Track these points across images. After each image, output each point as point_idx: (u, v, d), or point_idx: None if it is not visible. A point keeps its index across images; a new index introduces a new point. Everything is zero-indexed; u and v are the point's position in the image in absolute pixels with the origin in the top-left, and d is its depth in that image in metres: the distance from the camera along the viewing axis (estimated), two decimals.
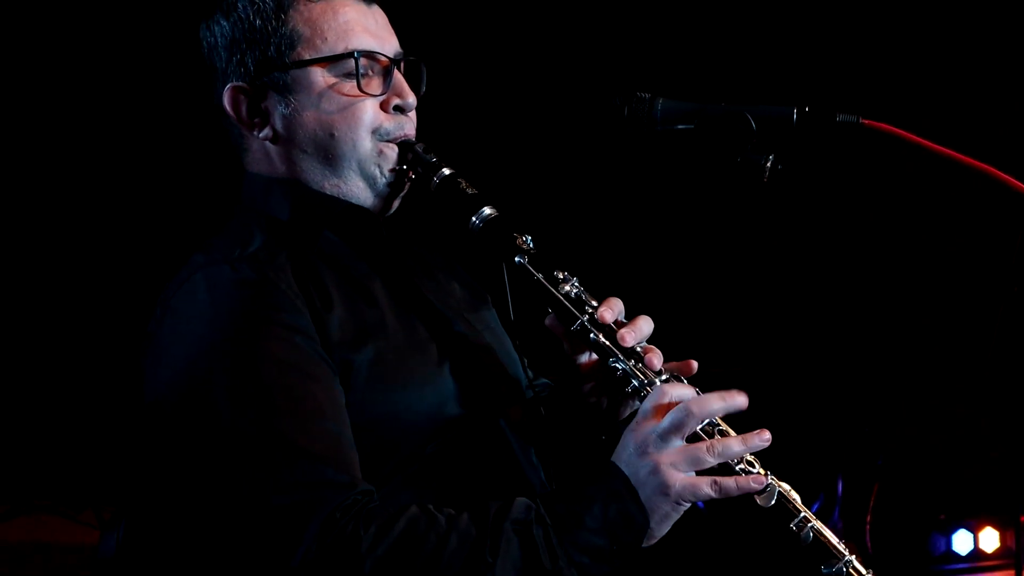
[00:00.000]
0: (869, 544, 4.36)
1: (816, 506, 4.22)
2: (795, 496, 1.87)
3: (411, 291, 2.11)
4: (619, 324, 1.98)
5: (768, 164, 1.99)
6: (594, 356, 2.05)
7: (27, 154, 5.33)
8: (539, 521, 1.83)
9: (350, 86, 2.05)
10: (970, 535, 4.50)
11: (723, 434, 1.87)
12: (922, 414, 4.48)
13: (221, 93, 2.09)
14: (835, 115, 2.00)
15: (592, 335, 1.97)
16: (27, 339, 5.56)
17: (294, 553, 1.78)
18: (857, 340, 4.62)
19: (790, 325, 4.65)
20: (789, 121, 2.01)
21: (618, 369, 1.95)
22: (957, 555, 4.52)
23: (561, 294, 2.00)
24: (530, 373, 2.30)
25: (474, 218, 2.04)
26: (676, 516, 1.85)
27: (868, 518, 4.35)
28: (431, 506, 1.85)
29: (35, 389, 5.58)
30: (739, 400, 1.87)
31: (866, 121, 1.99)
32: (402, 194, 2.12)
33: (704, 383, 1.95)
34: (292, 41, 2.04)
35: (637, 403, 1.95)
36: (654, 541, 1.86)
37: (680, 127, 2.07)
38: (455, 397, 2.01)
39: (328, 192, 2.08)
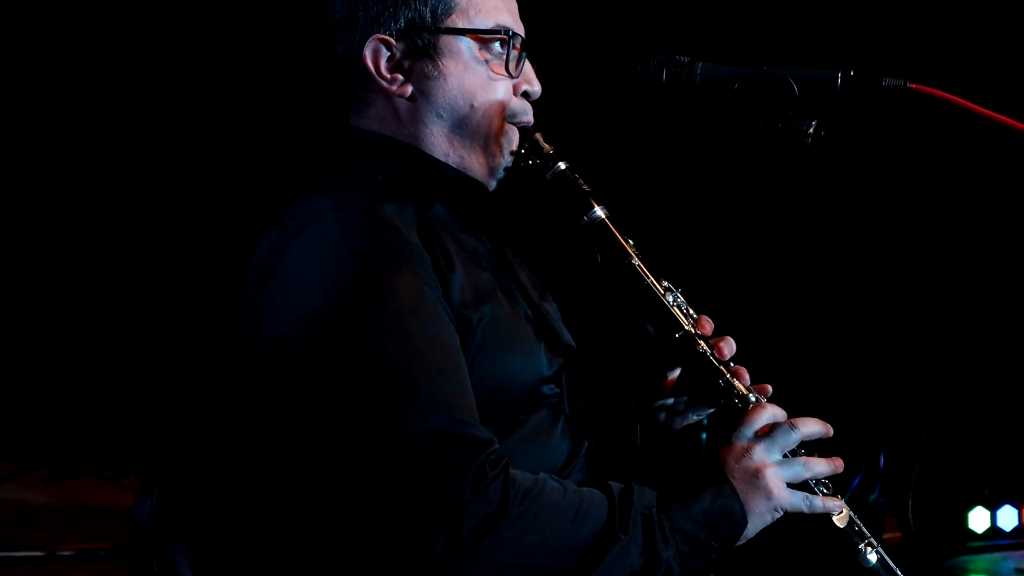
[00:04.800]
0: (911, 520, 4.32)
1: (857, 480, 4.17)
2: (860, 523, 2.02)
3: (510, 270, 2.14)
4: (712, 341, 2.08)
5: (811, 131, 1.96)
6: (676, 374, 2.16)
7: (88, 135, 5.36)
8: (661, 508, 1.92)
9: (496, 63, 2.08)
10: (1015, 511, 4.47)
11: (807, 454, 2.01)
12: (966, 388, 4.42)
13: (357, 42, 2.07)
14: (881, 79, 1.96)
15: (700, 347, 2.06)
16: (74, 309, 5.62)
17: (445, 492, 1.78)
18: (902, 312, 4.55)
19: (834, 297, 4.58)
20: (833, 86, 1.97)
21: (720, 382, 2.05)
22: (1001, 531, 4.49)
23: (668, 302, 2.07)
24: None
25: (586, 217, 2.08)
26: (770, 520, 1.96)
27: (910, 493, 4.31)
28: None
29: (80, 356, 5.64)
30: (830, 429, 2.01)
31: (914, 85, 1.95)
32: (513, 178, 2.14)
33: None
34: (449, 7, 2.06)
35: (693, 417, 2.19)
36: (743, 542, 1.96)
37: (720, 92, 2.03)
38: (549, 376, 2.05)
39: (450, 160, 2.09)
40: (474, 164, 2.09)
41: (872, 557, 1.98)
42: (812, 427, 2.00)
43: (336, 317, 1.85)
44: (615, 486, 1.92)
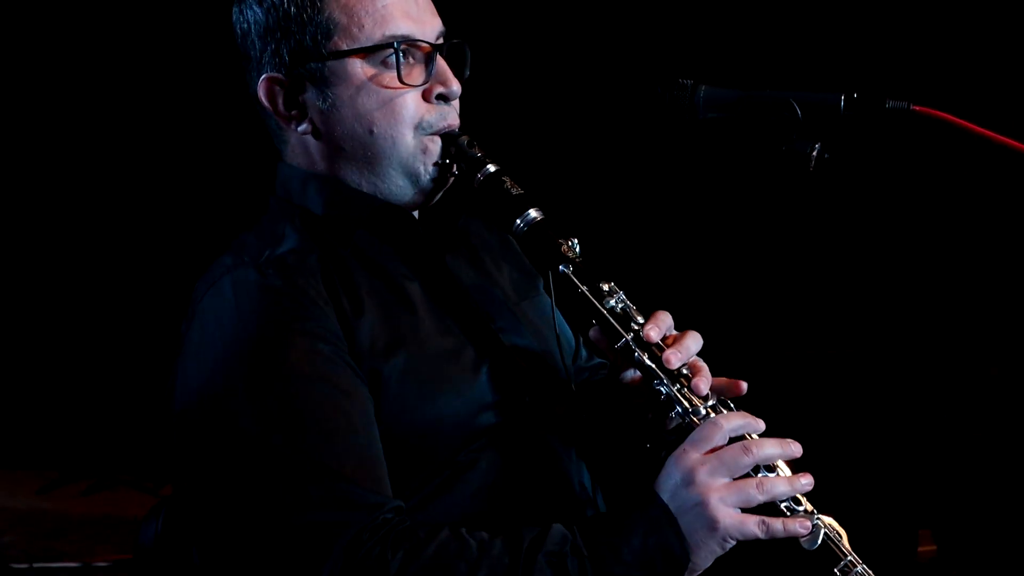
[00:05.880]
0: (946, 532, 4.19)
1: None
2: (842, 536, 1.80)
3: (451, 289, 2.03)
4: (667, 340, 1.90)
5: (815, 153, 1.93)
6: (639, 374, 1.97)
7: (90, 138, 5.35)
8: (575, 553, 1.76)
9: (390, 77, 1.96)
10: None
11: (770, 470, 1.81)
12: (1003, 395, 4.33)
13: (256, 83, 2.01)
14: (885, 101, 1.94)
15: (636, 355, 1.89)
16: (116, 322, 5.63)
17: (318, 574, 1.73)
18: (909, 332, 4.53)
19: (839, 319, 4.56)
20: (837, 108, 1.95)
21: (662, 393, 1.88)
22: None
23: (606, 309, 1.92)
24: (583, 352, 2.25)
25: (519, 220, 1.96)
26: (720, 552, 1.78)
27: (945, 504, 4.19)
28: (463, 530, 1.79)
29: (123, 369, 5.65)
30: (794, 449, 1.82)
31: (918, 108, 1.93)
32: (445, 188, 2.05)
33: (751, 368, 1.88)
34: (328, 30, 1.95)
35: (679, 418, 1.88)
36: (696, 574, 1.80)
37: (722, 115, 2.01)
38: (492, 404, 1.95)
39: (366, 190, 2.01)
40: (394, 189, 2.00)
41: None
42: (771, 450, 1.79)
43: (219, 394, 1.83)
44: (528, 533, 1.77)
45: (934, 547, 4.29)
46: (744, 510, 1.77)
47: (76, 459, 5.56)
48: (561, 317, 2.10)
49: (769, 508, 1.79)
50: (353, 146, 1.98)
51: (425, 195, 2.02)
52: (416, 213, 2.07)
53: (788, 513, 1.79)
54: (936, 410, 4.25)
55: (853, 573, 1.78)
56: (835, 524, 1.80)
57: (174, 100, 5.37)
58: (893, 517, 4.09)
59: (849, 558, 1.78)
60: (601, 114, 4.43)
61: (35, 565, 4.61)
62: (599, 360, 2.24)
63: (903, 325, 4.50)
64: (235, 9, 2.03)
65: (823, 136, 1.94)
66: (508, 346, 2.02)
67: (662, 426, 2.01)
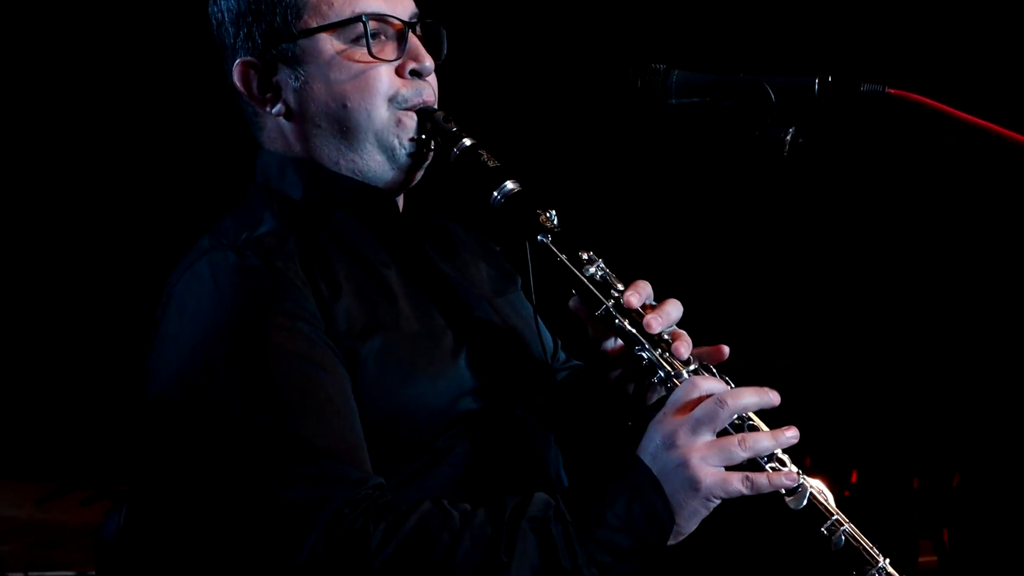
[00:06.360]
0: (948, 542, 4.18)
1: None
2: (828, 497, 1.79)
3: (430, 275, 2.04)
4: (646, 309, 1.90)
5: (788, 138, 1.92)
6: (620, 342, 1.97)
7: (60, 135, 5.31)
8: (558, 518, 1.75)
9: (361, 52, 1.98)
10: None
11: (753, 428, 1.79)
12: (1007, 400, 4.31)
13: (231, 70, 2.02)
14: (860, 85, 1.91)
15: (617, 321, 1.89)
16: (114, 333, 5.59)
17: (300, 550, 1.73)
18: (886, 320, 4.52)
19: (814, 310, 4.55)
20: (811, 92, 1.93)
21: (644, 358, 1.87)
22: None
23: (585, 276, 1.92)
24: (562, 355, 2.25)
25: (495, 193, 1.96)
26: (705, 513, 1.77)
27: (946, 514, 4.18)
28: (445, 501, 1.79)
29: (119, 379, 5.60)
30: (772, 397, 1.80)
31: (893, 91, 1.90)
32: (425, 165, 2.05)
33: (736, 373, 1.87)
34: (298, 9, 1.97)
35: (664, 391, 1.88)
36: (681, 538, 1.78)
37: (695, 100, 1.99)
38: (471, 389, 1.95)
39: (344, 170, 2.01)
40: (372, 165, 2.01)
41: (840, 539, 1.75)
42: (748, 398, 1.77)
43: (199, 375, 1.83)
44: (510, 501, 1.77)
45: (935, 557, 4.28)
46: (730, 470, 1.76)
47: (75, 470, 5.59)
48: (541, 322, 2.11)
49: (755, 466, 1.77)
50: (328, 122, 1.99)
51: (404, 173, 2.03)
52: (400, 202, 2.07)
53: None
54: (939, 416, 4.23)
55: (840, 532, 1.76)
56: (823, 486, 1.79)
57: (156, 103, 5.34)
58: (894, 527, 4.08)
59: (836, 517, 1.77)
60: (574, 99, 4.40)
61: (31, 574, 4.64)
62: (577, 363, 2.23)
63: (893, 327, 4.49)
64: (210, 1, 2.05)
65: (797, 120, 1.93)
66: (491, 330, 2.03)
67: (643, 401, 2.01)
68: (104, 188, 5.53)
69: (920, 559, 4.10)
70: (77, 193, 5.54)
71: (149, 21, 5.19)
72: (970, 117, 1.87)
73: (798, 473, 1.78)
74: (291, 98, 2.00)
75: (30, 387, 5.59)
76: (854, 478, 4.09)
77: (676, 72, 2.00)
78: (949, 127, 1.87)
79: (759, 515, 1.77)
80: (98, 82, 5.34)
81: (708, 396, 1.77)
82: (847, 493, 4.06)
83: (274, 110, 2.01)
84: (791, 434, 1.78)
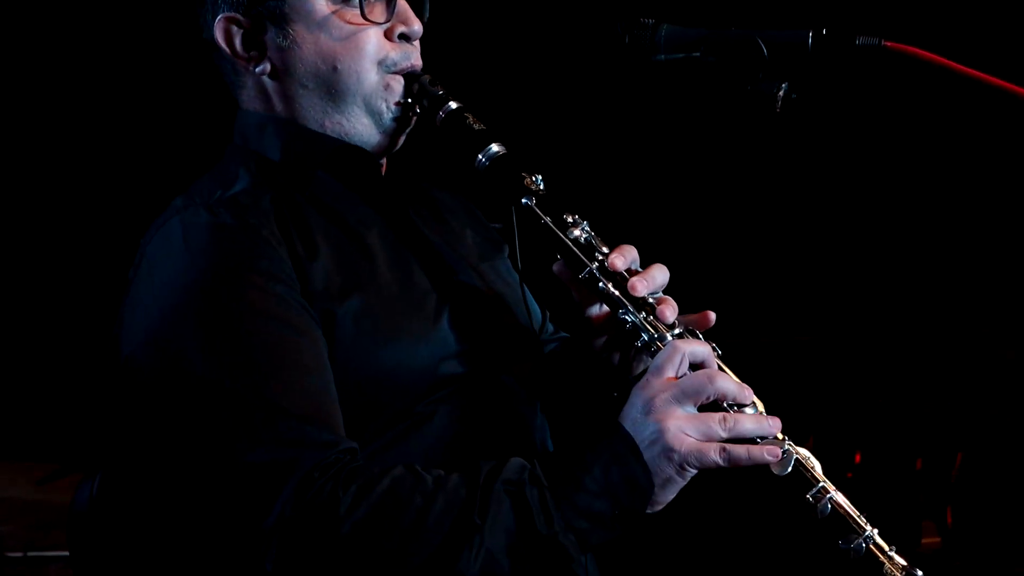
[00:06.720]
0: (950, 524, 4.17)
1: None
2: (814, 464, 1.76)
3: (413, 238, 2.01)
4: (631, 273, 1.87)
5: (781, 94, 1.89)
6: (605, 308, 1.94)
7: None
8: (534, 482, 1.73)
9: (352, 13, 1.95)
10: None
11: (740, 408, 1.76)
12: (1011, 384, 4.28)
13: (212, 25, 1.97)
14: (855, 38, 1.88)
15: (601, 284, 1.86)
16: (114, 313, 5.59)
17: (268, 513, 1.70)
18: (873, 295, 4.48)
19: (813, 289, 4.51)
20: (804, 46, 1.90)
21: (628, 322, 1.85)
22: None
23: (570, 239, 1.89)
24: (550, 327, 2.22)
25: (480, 156, 1.94)
26: (681, 483, 1.74)
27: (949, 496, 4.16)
28: (418, 466, 1.76)
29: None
30: (748, 394, 1.77)
31: (889, 44, 1.87)
32: (408, 129, 2.03)
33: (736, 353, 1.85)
34: None
35: (648, 356, 1.84)
36: (659, 508, 1.76)
37: (685, 55, 1.96)
38: (454, 353, 1.92)
39: (328, 131, 1.98)
40: (358, 127, 1.99)
41: (826, 507, 1.72)
42: (730, 387, 1.75)
43: (169, 335, 1.81)
44: (485, 465, 1.75)
45: (938, 539, 4.27)
46: None
47: (76, 451, 5.55)
48: (528, 292, 2.08)
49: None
50: (316, 84, 1.97)
51: (388, 137, 2.01)
52: (383, 165, 2.06)
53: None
54: (942, 397, 4.21)
55: (826, 499, 1.74)
56: (808, 454, 1.77)
57: (147, 103, 5.30)
58: (896, 508, 4.07)
59: (822, 484, 1.75)
60: (560, 55, 4.35)
61: (29, 554, 4.64)
62: (565, 335, 2.21)
63: (895, 305, 4.45)
64: None
65: (790, 76, 1.90)
66: (476, 295, 2.01)
67: (629, 371, 1.99)
68: (103, 186, 5.51)
69: (923, 540, 4.08)
70: (74, 186, 5.53)
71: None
72: (968, 69, 1.84)
73: (784, 439, 1.76)
74: (276, 58, 1.96)
75: (31, 368, 5.61)
76: (857, 459, 4.08)
77: (665, 27, 1.97)
78: (947, 80, 1.84)
79: (743, 481, 1.76)
80: (71, 63, 5.30)
81: (691, 362, 1.77)
82: (850, 475, 4.04)
83: (258, 69, 1.98)
84: (776, 424, 1.76)
